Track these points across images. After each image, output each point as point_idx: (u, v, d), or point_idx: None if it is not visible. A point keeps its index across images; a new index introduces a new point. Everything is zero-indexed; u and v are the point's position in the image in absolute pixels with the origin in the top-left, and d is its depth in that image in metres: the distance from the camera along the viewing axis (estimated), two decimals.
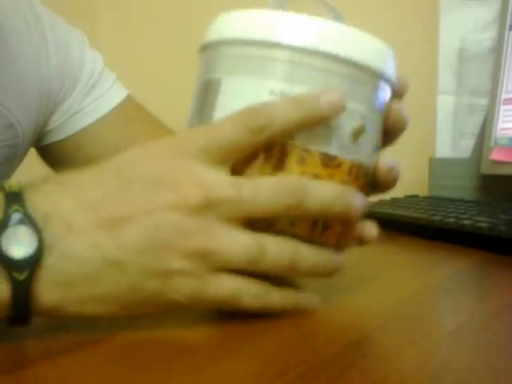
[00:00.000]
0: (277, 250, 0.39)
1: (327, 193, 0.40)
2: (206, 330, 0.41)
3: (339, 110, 0.41)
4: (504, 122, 0.99)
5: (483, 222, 0.69)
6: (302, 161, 0.41)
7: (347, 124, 0.42)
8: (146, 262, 0.37)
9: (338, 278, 0.52)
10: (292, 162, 0.41)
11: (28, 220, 0.36)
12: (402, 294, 0.50)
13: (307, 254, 0.41)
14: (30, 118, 0.72)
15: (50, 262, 0.36)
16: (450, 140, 1.10)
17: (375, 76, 0.43)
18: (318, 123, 0.41)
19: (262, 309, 0.41)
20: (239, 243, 0.39)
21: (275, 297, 0.41)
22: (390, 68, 0.44)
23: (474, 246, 0.67)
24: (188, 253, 0.37)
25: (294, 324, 0.42)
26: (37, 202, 0.37)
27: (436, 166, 1.08)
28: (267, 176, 0.40)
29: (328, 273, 0.43)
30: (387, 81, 0.44)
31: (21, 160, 0.75)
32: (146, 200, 0.38)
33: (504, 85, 0.99)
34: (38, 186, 0.39)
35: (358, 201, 0.42)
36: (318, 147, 0.41)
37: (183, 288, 0.38)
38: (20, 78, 0.70)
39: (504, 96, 0.99)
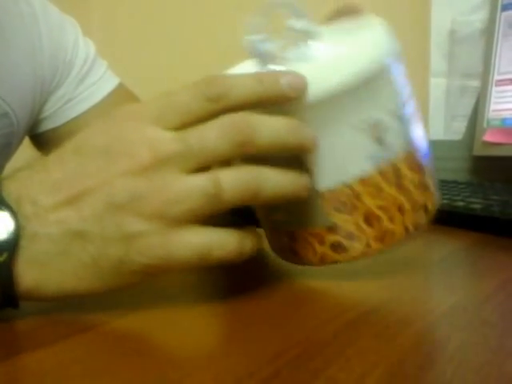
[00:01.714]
0: (234, 179, 0.39)
1: (277, 124, 0.40)
2: (200, 314, 0.41)
3: (300, 92, 0.41)
4: (496, 103, 0.99)
5: (476, 203, 0.69)
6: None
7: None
8: (107, 228, 0.38)
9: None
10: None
11: (2, 204, 0.37)
12: (397, 276, 0.50)
13: (271, 176, 0.40)
14: (24, 107, 0.72)
15: (23, 243, 0.37)
16: (442, 122, 1.10)
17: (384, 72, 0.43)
18: (278, 103, 0.41)
19: (236, 259, 0.41)
20: (192, 185, 0.38)
21: (248, 244, 0.41)
22: (388, 53, 0.44)
23: (467, 227, 0.67)
24: (146, 213, 0.38)
25: (290, 306, 0.42)
26: (11, 187, 0.38)
27: (428, 147, 1.06)
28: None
29: (297, 192, 0.42)
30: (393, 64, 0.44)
31: (16, 149, 0.75)
32: (101, 171, 0.38)
33: (496, 66, 0.99)
34: (14, 173, 0.40)
35: (309, 132, 0.42)
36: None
37: (148, 249, 0.38)
38: (14, 66, 0.70)
39: (496, 77, 0.99)
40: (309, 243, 0.45)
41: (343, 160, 0.43)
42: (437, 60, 1.10)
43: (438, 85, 1.10)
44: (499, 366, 0.31)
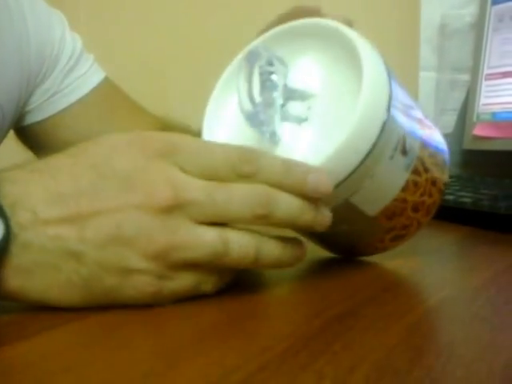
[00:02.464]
0: (241, 243, 0.39)
1: (295, 205, 0.40)
2: (187, 307, 0.40)
3: (321, 195, 0.41)
4: (486, 97, 0.99)
5: (466, 197, 0.69)
6: None
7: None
8: (106, 257, 0.37)
9: (323, 254, 0.52)
10: None
11: None
12: (388, 270, 0.50)
13: (271, 248, 0.40)
14: (11, 100, 0.71)
15: (13, 249, 0.36)
16: (432, 116, 1.10)
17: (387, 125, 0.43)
18: (296, 194, 0.41)
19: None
20: (203, 238, 0.38)
21: (229, 277, 0.42)
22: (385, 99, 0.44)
23: (457, 221, 0.68)
24: (149, 253, 0.37)
25: (279, 299, 0.42)
26: (6, 189, 0.37)
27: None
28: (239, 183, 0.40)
29: (291, 264, 0.42)
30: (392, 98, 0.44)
31: (0, 142, 0.75)
32: (116, 197, 0.37)
33: (486, 60, 0.99)
34: (11, 172, 0.38)
35: (321, 213, 0.42)
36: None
37: (142, 286, 0.38)
38: (1, 60, 0.69)
39: (486, 71, 0.99)
40: (369, 245, 0.51)
41: (387, 186, 0.46)
42: (427, 54, 1.10)
43: (427, 79, 1.10)
44: (489, 361, 0.31)
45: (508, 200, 0.65)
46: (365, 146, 0.42)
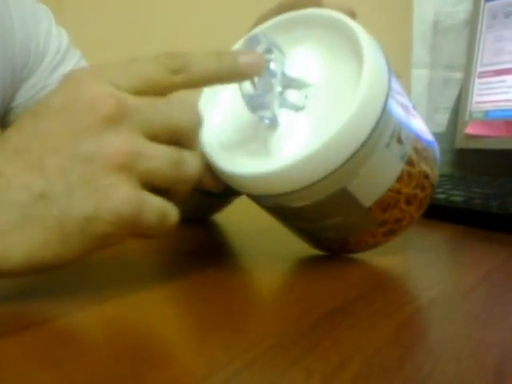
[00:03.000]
0: (193, 155, 0.41)
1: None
2: (172, 304, 0.40)
3: (258, 70, 0.43)
4: (479, 95, 0.99)
5: (458, 196, 0.69)
6: None
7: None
8: (73, 185, 0.36)
9: (311, 252, 0.52)
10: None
11: None
12: (378, 267, 0.50)
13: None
14: None
15: None
16: (424, 114, 1.10)
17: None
18: (236, 80, 0.44)
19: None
20: (160, 147, 0.39)
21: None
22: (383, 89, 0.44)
23: (448, 219, 0.68)
24: (115, 164, 0.37)
25: (267, 296, 0.42)
26: None
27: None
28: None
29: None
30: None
31: None
32: (60, 128, 0.37)
33: (479, 58, 0.99)
34: None
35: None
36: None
37: (117, 206, 0.37)
38: None
39: (479, 69, 0.99)
40: (361, 240, 0.50)
41: (383, 175, 0.46)
42: (419, 51, 1.10)
43: (420, 76, 1.10)
44: (481, 359, 0.31)
45: (500, 199, 0.65)
46: (362, 133, 0.42)
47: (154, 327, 0.36)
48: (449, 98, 1.06)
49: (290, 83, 0.46)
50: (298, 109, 0.46)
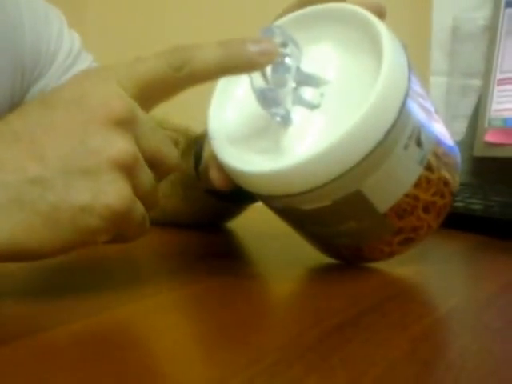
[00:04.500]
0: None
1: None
2: (171, 316, 0.37)
3: (269, 59, 0.41)
4: (498, 103, 0.97)
5: (476, 204, 0.67)
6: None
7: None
8: (74, 174, 0.36)
9: (324, 260, 0.49)
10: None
11: None
12: (393, 277, 0.48)
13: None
14: (3, 96, 0.69)
15: None
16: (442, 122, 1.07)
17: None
18: (246, 70, 0.41)
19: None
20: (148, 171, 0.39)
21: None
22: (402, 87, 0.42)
23: (467, 229, 0.66)
24: (120, 162, 0.36)
25: (274, 307, 0.40)
26: None
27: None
28: None
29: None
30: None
31: None
32: (70, 121, 0.37)
33: (498, 65, 0.97)
34: None
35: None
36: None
37: (116, 194, 0.36)
38: None
39: (498, 76, 0.97)
40: (376, 248, 0.47)
41: (400, 178, 0.44)
42: (438, 58, 1.08)
43: (438, 84, 1.08)
44: (503, 376, 0.28)
45: None
46: (378, 132, 0.40)
47: (147, 339, 0.33)
48: (467, 105, 1.04)
49: (305, 80, 0.44)
50: (312, 107, 0.44)
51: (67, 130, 0.36)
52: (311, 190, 0.41)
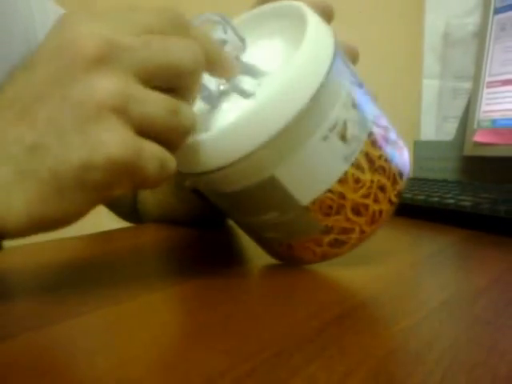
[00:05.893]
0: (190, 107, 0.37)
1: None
2: (172, 306, 0.37)
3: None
4: (487, 104, 0.96)
5: (466, 201, 0.66)
6: None
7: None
8: (66, 132, 0.33)
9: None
10: None
11: None
12: (387, 271, 0.47)
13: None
14: None
15: None
16: (434, 123, 1.08)
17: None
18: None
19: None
20: (155, 94, 0.34)
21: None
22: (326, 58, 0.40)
23: (457, 224, 0.65)
24: (108, 106, 0.33)
25: (272, 300, 0.39)
26: None
27: (421, 148, 1.05)
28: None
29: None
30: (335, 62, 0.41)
31: None
32: (48, 75, 0.34)
33: (487, 68, 0.97)
34: None
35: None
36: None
37: (115, 144, 0.33)
38: (9, 50, 0.66)
39: (487, 79, 0.97)
40: (307, 248, 0.45)
41: (320, 171, 0.41)
42: (430, 62, 1.08)
43: (430, 86, 1.08)
44: (493, 366, 0.28)
45: (508, 203, 0.63)
46: (286, 113, 0.38)
47: (150, 333, 0.33)
48: (458, 107, 1.04)
49: (243, 69, 0.43)
50: (246, 95, 0.42)
51: (48, 88, 0.33)
52: (220, 169, 0.39)
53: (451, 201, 0.68)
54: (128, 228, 0.70)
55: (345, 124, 0.40)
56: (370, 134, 0.42)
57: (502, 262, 0.51)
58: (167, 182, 0.64)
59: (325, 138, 0.40)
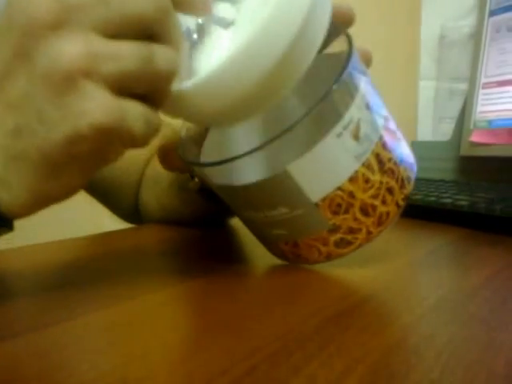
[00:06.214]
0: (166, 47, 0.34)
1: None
2: (173, 306, 0.37)
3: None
4: (483, 105, 0.96)
5: (463, 201, 0.67)
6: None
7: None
8: (44, 110, 0.31)
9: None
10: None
11: None
12: (385, 269, 0.47)
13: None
14: None
15: None
16: (430, 124, 1.08)
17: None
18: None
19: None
20: (125, 45, 0.32)
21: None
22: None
23: (454, 223, 0.65)
24: (81, 71, 0.30)
25: (271, 299, 0.39)
26: None
27: (417, 148, 1.05)
28: None
29: None
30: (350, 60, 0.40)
31: None
32: (9, 50, 0.31)
33: (483, 70, 0.97)
34: None
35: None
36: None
37: (96, 109, 0.31)
38: None
39: (483, 80, 0.97)
40: (313, 246, 0.44)
41: (332, 168, 0.41)
42: (426, 64, 1.08)
43: (427, 88, 1.08)
44: (489, 362, 0.28)
45: (504, 203, 0.63)
46: (286, 35, 0.35)
47: (151, 332, 0.33)
48: (454, 108, 1.05)
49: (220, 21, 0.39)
50: (227, 24, 0.38)
51: (12, 64, 0.31)
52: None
53: (448, 200, 0.68)
54: (129, 229, 0.70)
55: (358, 123, 0.40)
56: (381, 137, 0.42)
57: (499, 260, 0.51)
58: (171, 185, 0.64)
59: (339, 136, 0.39)
